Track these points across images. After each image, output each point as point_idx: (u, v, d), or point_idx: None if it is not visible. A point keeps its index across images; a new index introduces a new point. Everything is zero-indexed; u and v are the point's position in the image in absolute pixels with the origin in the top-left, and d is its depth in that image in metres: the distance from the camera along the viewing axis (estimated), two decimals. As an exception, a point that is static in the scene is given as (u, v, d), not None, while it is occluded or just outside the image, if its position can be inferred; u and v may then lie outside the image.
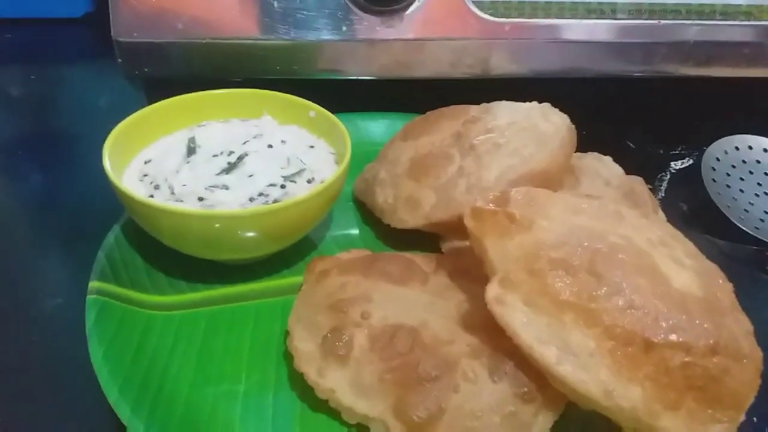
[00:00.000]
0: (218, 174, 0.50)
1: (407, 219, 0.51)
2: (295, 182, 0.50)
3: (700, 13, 0.65)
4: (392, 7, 0.62)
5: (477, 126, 0.53)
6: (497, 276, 0.39)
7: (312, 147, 0.54)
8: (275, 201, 0.48)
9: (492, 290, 0.38)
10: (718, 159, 0.65)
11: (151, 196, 0.48)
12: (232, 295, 0.49)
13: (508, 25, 0.64)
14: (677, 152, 0.72)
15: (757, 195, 0.63)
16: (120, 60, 0.61)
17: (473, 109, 0.56)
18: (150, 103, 0.56)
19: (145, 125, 0.54)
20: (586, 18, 0.64)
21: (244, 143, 0.52)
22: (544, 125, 0.51)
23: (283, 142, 0.53)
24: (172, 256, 0.49)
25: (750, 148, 0.65)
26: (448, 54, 0.66)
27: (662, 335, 0.35)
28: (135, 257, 0.51)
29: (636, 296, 0.35)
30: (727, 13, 0.66)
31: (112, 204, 0.49)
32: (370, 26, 0.63)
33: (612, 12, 0.64)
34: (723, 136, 0.66)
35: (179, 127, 0.56)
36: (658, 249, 0.39)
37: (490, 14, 0.63)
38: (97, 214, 0.55)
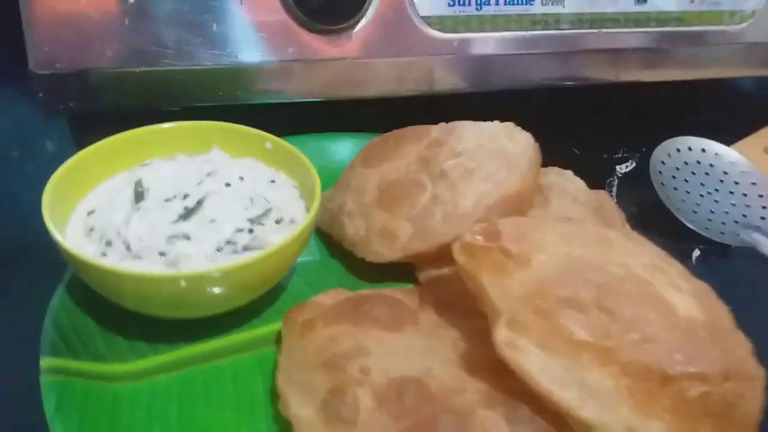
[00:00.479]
0: (175, 221, 0.45)
1: (383, 252, 0.49)
2: (263, 224, 0.46)
3: (637, 21, 0.67)
4: (339, 26, 0.59)
5: (443, 150, 0.51)
6: (503, 318, 0.37)
7: (273, 182, 0.51)
8: (245, 248, 0.44)
9: (501, 334, 0.37)
10: (663, 162, 0.67)
11: (104, 254, 0.43)
12: (201, 354, 0.45)
13: (456, 41, 0.62)
14: (620, 156, 0.74)
15: (701, 195, 0.65)
16: (41, 95, 0.55)
17: (434, 131, 0.55)
18: (77, 142, 0.50)
19: (83, 169, 0.48)
20: (531, 30, 0.64)
21: (200, 183, 0.48)
22: (510, 146, 0.51)
23: (241, 178, 0.49)
24: (128, 315, 0.45)
25: (690, 149, 0.68)
26: (394, 71, 0.63)
27: (678, 367, 0.34)
28: (86, 321, 0.45)
29: (648, 329, 0.35)
30: (660, 20, 0.67)
31: (50, 259, 0.44)
32: (316, 46, 0.59)
33: (556, 23, 0.64)
34: (661, 137, 0.68)
35: (120, 168, 0.51)
36: (655, 275, 0.39)
37: (438, 30, 0.62)
38: (34, 273, 0.49)
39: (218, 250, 0.44)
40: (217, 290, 0.42)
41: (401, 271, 0.51)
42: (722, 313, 0.38)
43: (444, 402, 0.37)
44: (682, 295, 0.38)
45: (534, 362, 0.35)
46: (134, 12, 0.55)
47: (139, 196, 0.47)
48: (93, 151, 0.49)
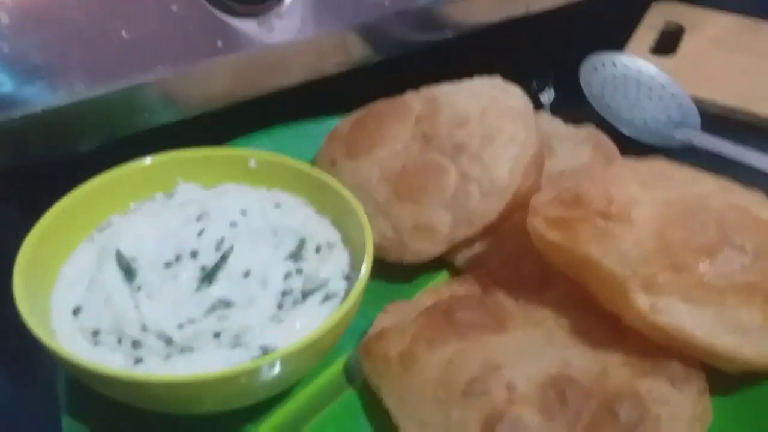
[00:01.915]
0: (198, 289, 0.36)
1: (424, 249, 0.44)
2: (306, 259, 0.38)
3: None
4: (264, 3, 0.50)
5: (441, 121, 0.47)
6: (634, 284, 0.35)
7: (278, 206, 0.42)
8: (304, 294, 0.37)
9: (642, 301, 0.34)
10: (594, 70, 0.68)
11: (139, 360, 0.33)
12: (278, 428, 0.37)
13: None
14: (535, 87, 0.74)
15: (631, 105, 0.68)
16: None
17: (413, 102, 0.50)
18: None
19: (36, 257, 0.36)
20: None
21: (200, 234, 0.38)
22: (512, 102, 0.47)
23: (243, 213, 0.40)
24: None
25: (603, 65, 0.70)
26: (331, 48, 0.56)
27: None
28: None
29: (771, 251, 0.35)
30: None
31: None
32: (248, 32, 0.50)
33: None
34: (570, 58, 0.70)
35: (75, 242, 0.39)
36: (735, 196, 0.39)
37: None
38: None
39: (279, 307, 0.35)
40: (310, 358, 0.34)
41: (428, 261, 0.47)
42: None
43: (601, 389, 0.34)
44: (765, 207, 0.39)
45: (686, 319, 0.34)
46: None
47: (128, 270, 0.37)
48: (38, 232, 0.37)
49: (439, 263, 0.47)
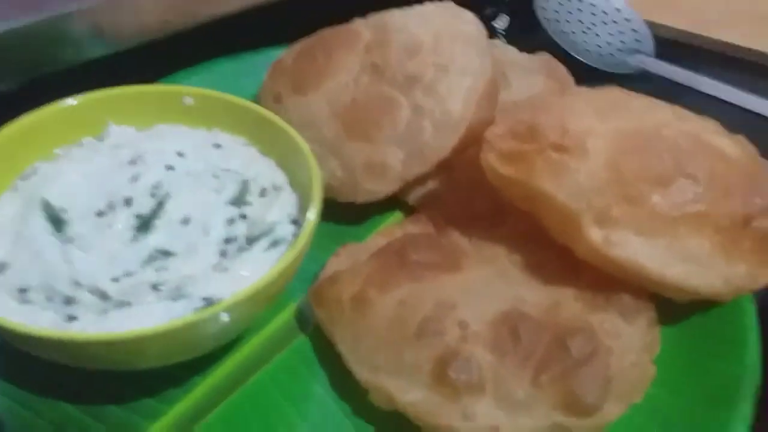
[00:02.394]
0: (134, 239, 0.33)
1: (377, 188, 0.42)
2: (250, 204, 0.36)
3: None
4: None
5: (392, 50, 0.44)
6: (587, 217, 0.34)
7: (218, 146, 0.40)
8: (249, 240, 0.35)
9: (594, 234, 0.34)
10: (544, 7, 0.66)
11: (72, 318, 0.31)
12: (227, 380, 0.36)
13: None
14: (489, 12, 0.71)
15: (585, 32, 0.66)
16: None
17: (361, 29, 0.47)
18: None
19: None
20: None
21: (135, 179, 0.36)
22: (465, 27, 0.45)
23: (180, 155, 0.38)
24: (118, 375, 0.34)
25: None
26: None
27: (755, 207, 0.35)
28: (62, 408, 0.33)
29: (724, 182, 0.35)
30: None
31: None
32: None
33: None
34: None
35: (-2, 191, 0.36)
36: (690, 125, 0.38)
37: None
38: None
39: (222, 254, 0.33)
40: (256, 307, 0.33)
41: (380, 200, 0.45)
42: (746, 142, 0.39)
43: (554, 323, 0.34)
44: (720, 137, 0.38)
45: (638, 251, 0.34)
46: None
47: (57, 221, 0.34)
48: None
49: (393, 202, 0.45)
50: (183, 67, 0.52)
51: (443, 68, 0.42)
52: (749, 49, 0.66)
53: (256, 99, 0.49)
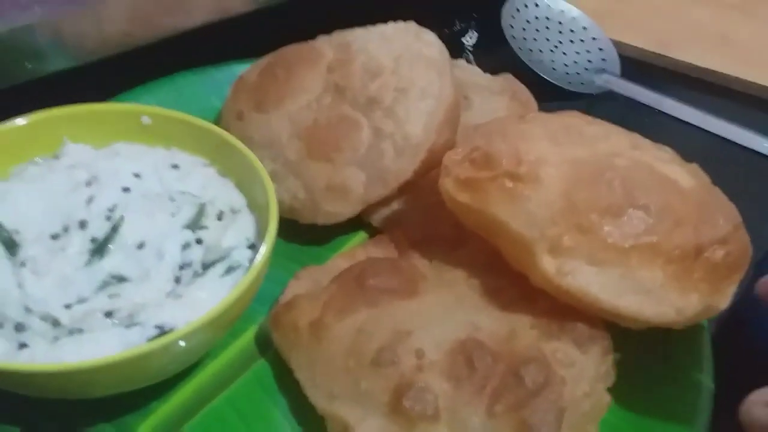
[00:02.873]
0: (88, 263, 0.33)
1: (339, 210, 0.42)
2: (207, 228, 0.36)
3: None
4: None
5: (353, 70, 0.44)
6: (541, 246, 0.35)
7: (176, 167, 0.39)
8: (205, 266, 0.34)
9: (547, 264, 0.34)
10: (516, 12, 0.66)
11: (23, 345, 0.30)
12: (183, 406, 0.36)
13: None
14: (459, 28, 0.72)
15: (552, 50, 0.67)
16: None
17: (325, 48, 0.47)
18: None
19: None
20: None
21: (90, 201, 0.35)
22: (426, 49, 0.45)
23: (137, 176, 0.37)
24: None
25: (526, 6, 0.68)
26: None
27: (706, 237, 0.36)
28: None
29: (676, 213, 0.35)
30: None
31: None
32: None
33: None
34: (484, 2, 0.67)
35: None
36: (645, 154, 0.39)
37: None
38: None
39: (177, 281, 0.33)
40: (211, 336, 0.32)
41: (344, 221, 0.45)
42: (704, 176, 0.40)
43: (509, 352, 0.34)
44: (673, 166, 0.39)
45: (591, 281, 0.34)
46: None
47: (9, 244, 0.33)
48: None
49: (357, 223, 0.45)
50: (146, 81, 0.51)
51: (403, 91, 0.43)
52: (711, 71, 0.67)
53: (219, 115, 0.49)
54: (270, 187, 0.36)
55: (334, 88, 0.44)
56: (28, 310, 0.31)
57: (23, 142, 0.38)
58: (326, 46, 0.47)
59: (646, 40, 0.71)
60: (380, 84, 0.43)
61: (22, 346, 0.30)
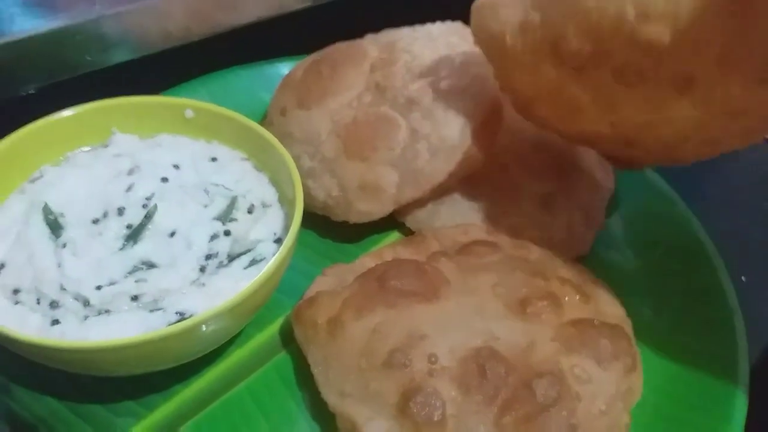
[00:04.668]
0: (122, 248, 0.35)
1: (370, 209, 0.42)
2: (236, 220, 0.37)
3: None
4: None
5: (396, 70, 0.44)
6: None
7: (214, 159, 0.41)
8: (230, 257, 0.36)
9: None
10: None
11: (56, 321, 0.32)
12: (205, 391, 0.37)
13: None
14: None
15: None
16: None
17: (369, 47, 0.47)
18: None
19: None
20: None
21: (129, 189, 0.37)
22: (469, 47, 0.45)
23: (176, 167, 0.39)
24: (102, 380, 0.35)
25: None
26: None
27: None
28: (50, 405, 0.35)
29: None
30: None
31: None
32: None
33: None
34: None
35: (5, 191, 0.38)
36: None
37: None
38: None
39: (202, 270, 0.34)
40: (228, 325, 0.34)
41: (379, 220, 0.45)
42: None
43: (524, 364, 0.34)
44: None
45: None
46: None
47: (54, 226, 0.36)
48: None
49: (391, 223, 0.46)
50: (201, 74, 0.53)
51: (443, 93, 0.42)
52: None
53: (267, 110, 0.50)
54: (298, 182, 0.37)
55: (375, 87, 0.45)
56: (63, 289, 0.33)
57: (76, 131, 0.41)
58: (372, 45, 0.47)
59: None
60: (421, 85, 0.43)
61: (55, 322, 0.32)
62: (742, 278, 0.43)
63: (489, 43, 0.38)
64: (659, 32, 0.30)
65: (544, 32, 0.34)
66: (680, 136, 0.35)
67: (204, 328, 0.32)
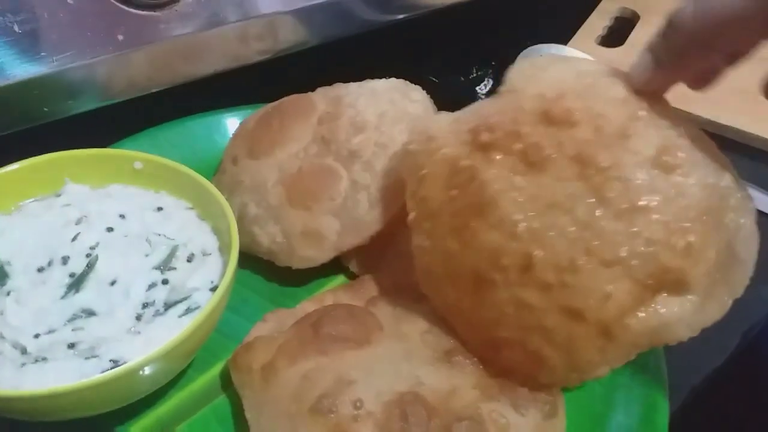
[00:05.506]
0: (65, 296, 0.36)
1: (312, 256, 0.44)
2: (174, 269, 0.39)
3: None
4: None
5: (341, 124, 0.46)
6: None
7: (160, 209, 0.42)
8: (167, 305, 0.37)
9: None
10: None
11: (-9, 369, 0.34)
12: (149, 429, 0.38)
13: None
14: (475, 75, 0.73)
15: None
16: None
17: (318, 101, 0.49)
18: None
19: None
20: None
21: (74, 239, 0.39)
22: (411, 107, 0.47)
23: (122, 216, 0.41)
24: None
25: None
26: (237, 38, 0.55)
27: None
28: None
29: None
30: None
31: None
32: (150, 25, 0.49)
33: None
34: (508, 49, 0.68)
35: (-49, 241, 0.39)
36: None
37: (281, -18, 0.54)
38: None
39: (138, 318, 0.36)
40: (162, 369, 0.35)
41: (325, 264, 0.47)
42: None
43: (446, 409, 0.35)
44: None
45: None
46: None
47: (1, 274, 0.37)
48: None
49: (337, 267, 0.47)
50: (164, 120, 0.55)
51: (383, 146, 0.45)
52: (757, 137, 0.64)
53: (221, 159, 0.52)
54: (234, 229, 0.39)
55: (321, 140, 0.47)
56: (1, 336, 0.34)
57: (30, 181, 0.42)
58: (321, 98, 0.50)
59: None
60: (363, 138, 0.45)
61: (36, 361, 0.34)
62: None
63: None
64: None
65: None
66: None
67: (137, 374, 0.33)
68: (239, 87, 0.58)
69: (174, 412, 0.39)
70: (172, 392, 0.40)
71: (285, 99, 0.51)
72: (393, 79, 0.49)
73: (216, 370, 0.42)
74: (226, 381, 0.41)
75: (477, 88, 0.72)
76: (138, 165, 0.43)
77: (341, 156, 0.45)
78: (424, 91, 0.49)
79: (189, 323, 0.34)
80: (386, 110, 0.46)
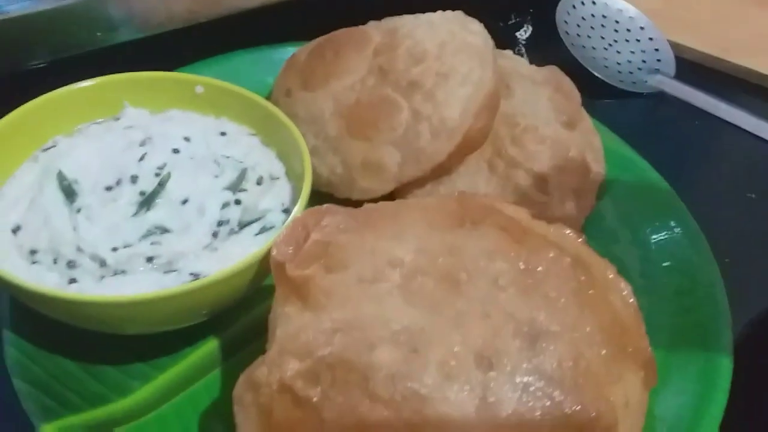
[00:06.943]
0: (136, 214, 0.36)
1: (372, 186, 0.44)
2: (246, 190, 0.38)
3: None
4: None
5: (398, 55, 0.46)
6: None
7: (223, 134, 0.42)
8: (241, 225, 0.37)
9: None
10: (566, 20, 0.67)
11: (73, 281, 0.33)
12: (204, 359, 0.38)
13: None
14: (513, 21, 0.72)
15: (605, 48, 0.67)
16: None
17: (373, 33, 0.49)
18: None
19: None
20: None
21: (142, 158, 0.38)
22: (471, 38, 0.46)
23: (186, 139, 0.40)
24: (105, 339, 0.36)
25: (583, 3, 0.68)
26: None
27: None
28: (65, 365, 0.36)
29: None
30: None
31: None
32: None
33: None
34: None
35: (18, 160, 0.39)
36: None
37: None
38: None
39: (214, 235, 0.36)
40: (237, 288, 0.35)
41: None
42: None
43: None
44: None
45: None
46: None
47: (69, 192, 0.37)
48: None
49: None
50: (205, 57, 0.55)
51: (444, 76, 0.44)
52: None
53: (270, 92, 0.52)
54: (307, 157, 0.39)
55: (378, 71, 0.46)
56: (79, 249, 0.34)
57: (88, 104, 0.42)
58: (375, 30, 0.49)
59: (705, 44, 0.69)
60: (423, 69, 0.45)
61: (72, 281, 0.34)
62: (726, 260, 0.45)
63: None
64: None
65: None
66: None
67: (217, 288, 0.33)
68: (282, 24, 0.57)
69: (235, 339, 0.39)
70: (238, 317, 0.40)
71: (337, 32, 0.50)
72: (449, 12, 0.49)
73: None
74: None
75: (516, 34, 0.71)
76: (199, 89, 0.43)
77: (400, 86, 0.45)
78: (482, 24, 0.48)
79: (267, 240, 0.34)
80: (446, 40, 0.46)
